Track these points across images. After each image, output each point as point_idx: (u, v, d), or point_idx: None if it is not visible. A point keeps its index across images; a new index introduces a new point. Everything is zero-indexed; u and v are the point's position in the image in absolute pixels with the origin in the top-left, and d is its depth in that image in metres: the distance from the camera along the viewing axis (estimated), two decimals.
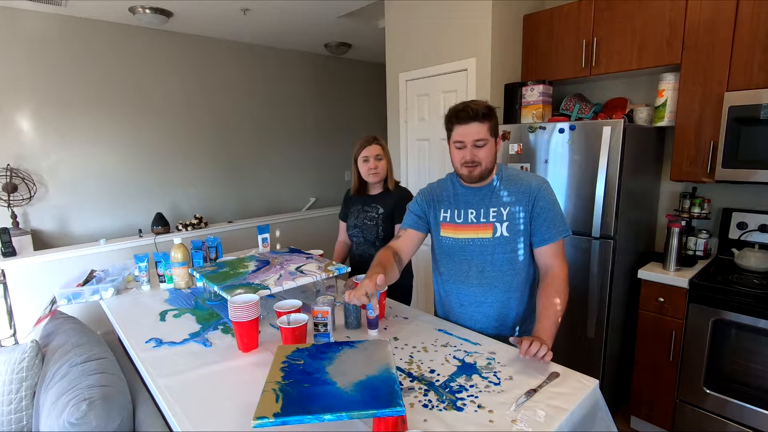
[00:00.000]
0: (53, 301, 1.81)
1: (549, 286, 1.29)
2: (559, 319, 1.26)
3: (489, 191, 1.37)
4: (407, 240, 1.45)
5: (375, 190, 1.92)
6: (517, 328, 1.42)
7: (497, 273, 1.36)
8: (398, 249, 1.43)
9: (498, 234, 1.34)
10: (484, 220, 1.35)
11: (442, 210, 1.42)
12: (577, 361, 2.14)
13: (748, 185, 2.11)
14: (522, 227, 1.33)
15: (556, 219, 1.32)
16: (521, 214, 1.33)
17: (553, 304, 1.26)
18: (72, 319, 1.58)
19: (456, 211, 1.40)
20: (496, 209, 1.34)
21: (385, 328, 1.43)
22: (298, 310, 1.32)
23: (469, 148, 1.28)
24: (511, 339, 1.25)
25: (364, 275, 1.61)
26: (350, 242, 2.02)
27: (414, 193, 1.99)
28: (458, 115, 1.28)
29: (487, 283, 1.38)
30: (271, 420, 0.80)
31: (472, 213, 1.37)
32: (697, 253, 2.18)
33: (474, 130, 1.26)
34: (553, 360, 1.18)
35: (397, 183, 1.93)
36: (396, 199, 1.86)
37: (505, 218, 1.33)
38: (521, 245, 1.35)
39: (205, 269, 1.67)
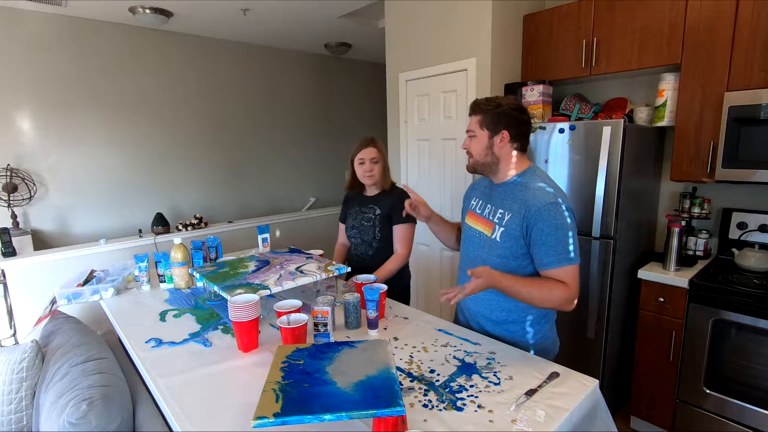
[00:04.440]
0: (53, 301, 1.81)
1: (547, 280, 1.23)
2: (523, 290, 1.19)
3: (504, 190, 1.33)
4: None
5: (372, 191, 1.92)
6: (531, 333, 1.35)
7: None
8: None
9: (494, 236, 1.31)
10: (491, 218, 1.34)
11: (473, 199, 1.47)
12: (577, 361, 2.14)
13: (748, 185, 2.11)
14: (514, 240, 1.26)
15: (555, 245, 1.19)
16: (516, 228, 1.26)
17: (536, 281, 1.21)
18: (72, 319, 1.58)
19: (482, 201, 1.42)
20: (503, 211, 1.31)
21: (385, 328, 1.43)
22: (298, 310, 1.32)
23: (466, 138, 1.36)
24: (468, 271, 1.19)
25: (363, 275, 1.62)
26: (349, 243, 2.02)
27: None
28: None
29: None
30: (271, 420, 0.80)
31: (489, 207, 1.37)
32: (697, 253, 2.18)
33: (469, 122, 1.34)
34: (553, 360, 1.18)
35: (393, 184, 1.93)
36: (394, 200, 1.85)
37: (503, 224, 1.29)
38: (510, 254, 1.28)
39: (205, 269, 1.67)
